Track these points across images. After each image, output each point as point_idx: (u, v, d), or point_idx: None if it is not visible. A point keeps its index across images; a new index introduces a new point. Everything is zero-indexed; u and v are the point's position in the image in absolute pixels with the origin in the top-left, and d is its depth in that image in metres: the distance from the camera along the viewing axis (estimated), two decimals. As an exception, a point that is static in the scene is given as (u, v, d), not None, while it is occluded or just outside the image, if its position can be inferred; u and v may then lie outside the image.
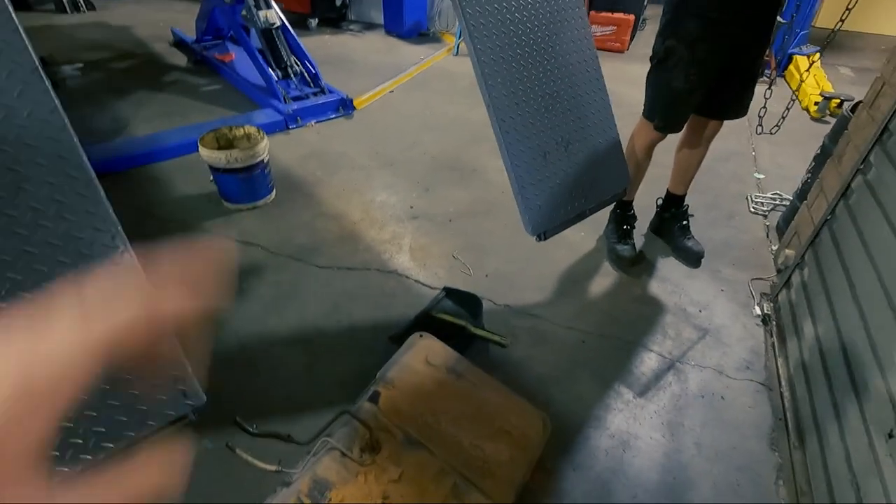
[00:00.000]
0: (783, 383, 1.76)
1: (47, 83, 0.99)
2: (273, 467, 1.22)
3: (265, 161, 2.54)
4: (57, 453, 0.96)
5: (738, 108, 1.98)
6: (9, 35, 0.95)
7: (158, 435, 1.09)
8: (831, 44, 2.49)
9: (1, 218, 0.93)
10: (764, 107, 2.40)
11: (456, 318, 1.84)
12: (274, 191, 2.71)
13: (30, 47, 0.98)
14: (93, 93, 3.88)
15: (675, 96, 1.92)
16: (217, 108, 3.73)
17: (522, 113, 1.69)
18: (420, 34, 5.63)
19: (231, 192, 2.56)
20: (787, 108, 2.52)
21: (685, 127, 2.06)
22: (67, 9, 5.77)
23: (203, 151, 2.41)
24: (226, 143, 2.62)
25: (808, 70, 2.85)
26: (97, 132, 3.28)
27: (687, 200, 2.37)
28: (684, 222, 2.36)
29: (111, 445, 1.02)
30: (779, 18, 4.14)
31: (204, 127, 2.96)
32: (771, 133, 2.50)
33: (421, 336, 1.61)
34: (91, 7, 5.97)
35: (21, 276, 0.94)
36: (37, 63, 0.98)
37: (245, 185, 2.53)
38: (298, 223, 2.53)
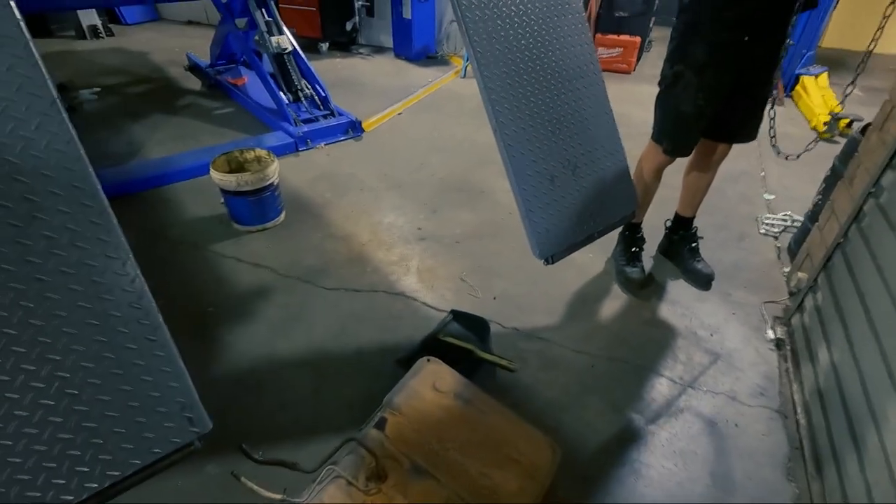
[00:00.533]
0: (798, 410, 1.72)
1: (65, 115, 1.01)
2: (278, 496, 1.20)
3: (275, 184, 2.58)
4: (63, 482, 0.96)
5: (747, 131, 1.98)
6: (29, 70, 0.98)
7: (163, 462, 1.08)
8: (839, 63, 2.50)
9: (15, 247, 0.94)
10: (772, 127, 2.38)
11: (463, 342, 1.82)
12: (283, 212, 2.74)
13: (49, 81, 1.01)
14: (109, 116, 3.98)
15: (684, 120, 1.92)
16: (229, 130, 3.80)
17: (529, 137, 1.70)
18: (428, 57, 5.73)
19: (241, 214, 2.59)
20: (814, 142, 2.43)
21: (694, 150, 2.06)
22: (87, 35, 5.97)
23: (214, 174, 2.45)
24: (237, 167, 2.66)
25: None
26: (112, 155, 3.36)
27: (696, 222, 2.36)
28: (693, 244, 2.34)
29: (117, 474, 1.01)
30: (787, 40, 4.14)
31: (216, 150, 3.02)
32: (787, 158, 2.45)
33: (428, 360, 1.59)
34: (110, 33, 6.16)
35: (33, 304, 0.95)
36: (55, 96, 1.00)
37: (255, 207, 2.56)
38: (307, 245, 2.55)
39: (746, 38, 1.74)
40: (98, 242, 1.03)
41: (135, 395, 1.04)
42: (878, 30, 1.99)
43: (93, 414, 1.00)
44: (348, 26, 5.80)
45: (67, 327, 0.98)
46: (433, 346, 1.82)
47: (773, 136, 1.95)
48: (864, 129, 2.27)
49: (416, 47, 5.58)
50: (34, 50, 0.99)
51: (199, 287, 2.26)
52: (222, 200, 2.62)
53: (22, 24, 0.97)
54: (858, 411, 1.40)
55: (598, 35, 5.27)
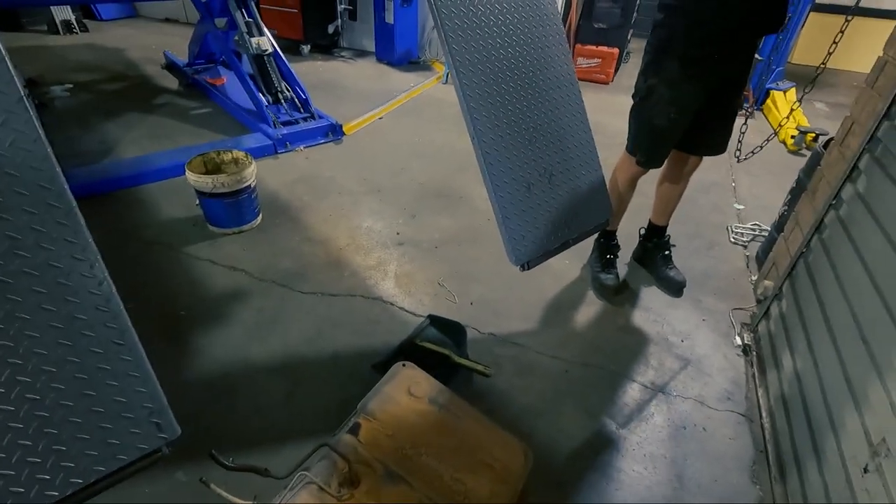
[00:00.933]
0: (764, 415, 1.77)
1: (32, 113, 0.99)
2: (248, 502, 1.19)
3: (252, 186, 2.55)
4: (22, 490, 0.93)
5: (717, 144, 2.05)
6: (-5, 66, 0.96)
7: (129, 469, 1.06)
8: (807, 79, 2.61)
9: (-24, 248, 0.92)
10: (739, 140, 2.48)
11: (440, 347, 1.83)
12: (260, 215, 2.71)
13: (15, 77, 0.98)
14: (81, 114, 3.88)
15: (657, 133, 1.98)
16: (207, 131, 3.75)
17: (507, 145, 1.72)
18: (410, 62, 5.75)
19: (217, 216, 2.55)
20: (767, 140, 2.59)
21: (667, 161, 2.12)
22: (60, 30, 5.81)
23: (190, 176, 2.41)
24: (213, 168, 2.63)
25: (791, 110, 3.00)
26: (84, 153, 3.27)
27: (669, 230, 2.42)
28: (666, 252, 2.40)
29: (80, 481, 0.99)
30: (756, 56, 4.29)
31: (192, 150, 2.97)
32: (738, 160, 2.58)
33: (404, 365, 1.59)
34: (84, 29, 6.02)
35: (-6, 306, 0.93)
36: (22, 94, 0.98)
37: (231, 209, 2.53)
38: (284, 248, 2.52)
39: (717, 56, 1.80)
40: (64, 244, 1.01)
41: (99, 400, 1.02)
42: (833, 44, 2.09)
43: (55, 420, 0.97)
44: (330, 29, 5.78)
45: (30, 330, 0.96)
46: (410, 351, 1.82)
47: (739, 148, 2.02)
48: (826, 144, 2.37)
49: (399, 52, 5.59)
50: (0, 46, 0.97)
51: (172, 289, 2.21)
52: (198, 202, 2.58)
53: (-12, 19, 0.95)
54: (818, 416, 1.45)
55: (578, 45, 5.37)
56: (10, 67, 0.97)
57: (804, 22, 4.78)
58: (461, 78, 1.62)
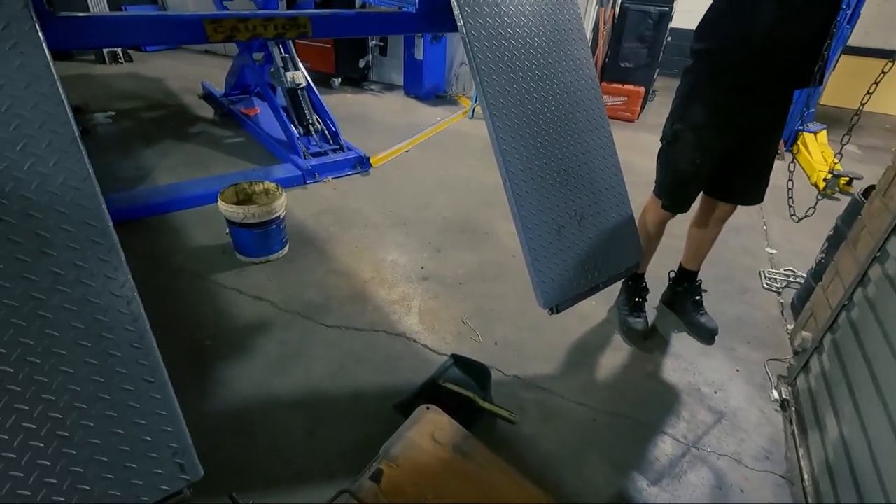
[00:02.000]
0: (806, 478, 1.67)
1: (84, 153, 1.02)
2: (266, 550, 1.15)
3: (281, 217, 2.59)
4: (45, 529, 0.92)
5: (751, 194, 2.00)
6: (54, 108, 1.00)
7: (150, 511, 1.04)
8: (837, 121, 2.56)
9: (22, 282, 0.94)
10: (790, 197, 2.31)
11: (464, 389, 1.79)
12: (287, 245, 2.74)
13: (72, 119, 1.02)
14: (121, 140, 4.05)
15: (681, 178, 1.97)
16: (239, 160, 3.85)
17: (538, 187, 1.72)
18: (437, 96, 5.87)
19: (245, 245, 2.59)
20: (817, 201, 2.40)
21: (699, 206, 2.09)
22: (106, 60, 6.13)
23: (222, 206, 2.46)
24: (245, 198, 2.68)
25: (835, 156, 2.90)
26: (122, 179, 3.39)
27: (699, 274, 2.36)
28: (697, 297, 2.33)
29: (101, 522, 0.97)
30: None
31: (224, 179, 3.05)
32: (797, 219, 2.39)
33: (427, 409, 1.56)
34: (129, 59, 6.33)
35: (33, 341, 0.94)
36: (76, 134, 1.02)
37: (260, 239, 2.56)
38: (309, 279, 2.54)
39: (744, 105, 1.78)
40: (105, 280, 1.03)
41: (127, 438, 1.01)
42: (873, 84, 2.01)
43: (81, 458, 0.96)
44: (361, 63, 5.97)
45: (65, 366, 0.96)
46: (432, 391, 1.78)
47: (791, 195, 1.96)
48: (866, 192, 2.30)
49: (427, 86, 5.73)
50: (60, 89, 1.01)
51: (198, 318, 2.23)
52: (227, 231, 2.63)
53: (51, 64, 0.99)
54: (868, 483, 1.35)
55: (604, 84, 5.42)
56: (68, 109, 1.01)
57: (835, 64, 4.75)
58: (495, 121, 1.64)
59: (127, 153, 3.81)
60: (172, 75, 5.88)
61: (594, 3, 5.44)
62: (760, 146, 1.91)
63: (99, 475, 0.97)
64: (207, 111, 4.82)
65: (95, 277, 1.01)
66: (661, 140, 2.02)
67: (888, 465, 1.29)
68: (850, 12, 4.20)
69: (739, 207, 2.09)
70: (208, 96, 4.97)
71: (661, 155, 2.04)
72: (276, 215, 2.52)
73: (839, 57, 4.73)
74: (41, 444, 0.92)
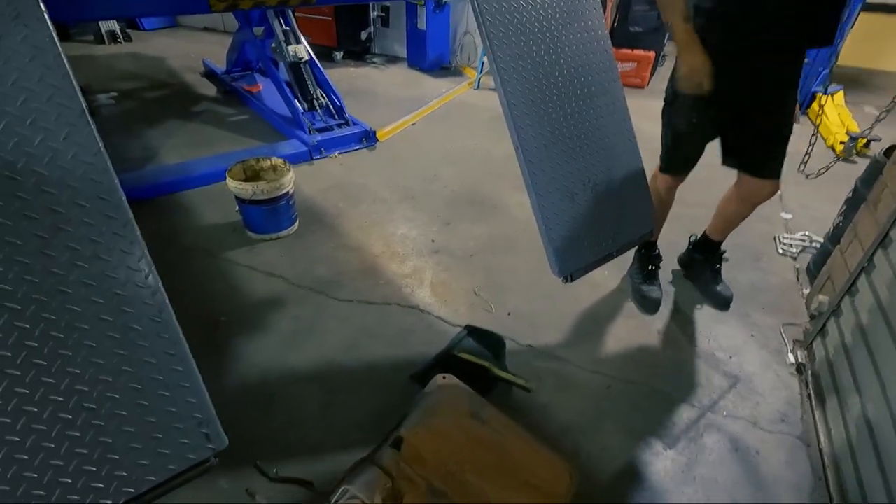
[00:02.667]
0: (822, 439, 1.67)
1: (93, 126, 1.01)
2: (291, 515, 1.18)
3: (290, 193, 2.58)
4: (77, 497, 0.94)
5: (766, 166, 1.90)
6: (59, 80, 0.98)
7: (179, 479, 1.06)
8: (855, 82, 2.48)
9: (41, 258, 0.94)
10: (811, 145, 2.24)
11: (479, 359, 1.80)
12: (297, 222, 2.73)
13: (78, 91, 1.00)
14: (125, 121, 4.02)
15: (677, 138, 1.94)
16: (243, 137, 3.82)
17: (551, 155, 1.69)
18: (442, 68, 5.75)
19: (255, 222, 2.59)
20: (833, 162, 2.37)
21: (735, 183, 2.02)
22: (105, 40, 6.04)
23: (230, 183, 2.45)
24: (252, 175, 2.66)
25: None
26: (128, 160, 3.37)
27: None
28: (717, 266, 2.30)
29: (132, 491, 0.99)
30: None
31: (231, 156, 3.03)
32: (806, 176, 2.38)
33: (444, 378, 1.57)
34: (128, 39, 6.24)
35: (55, 315, 0.94)
36: (84, 107, 1.00)
37: (269, 215, 2.56)
38: (320, 255, 2.54)
39: (746, 65, 1.69)
40: (121, 254, 1.03)
41: (152, 410, 1.03)
42: None
43: (110, 429, 0.98)
44: (363, 36, 5.84)
45: (88, 340, 0.97)
46: (448, 362, 1.79)
47: (809, 152, 1.89)
48: (887, 151, 2.24)
49: (430, 58, 5.61)
50: (65, 60, 0.99)
51: (211, 295, 2.25)
52: (237, 208, 2.62)
53: (54, 35, 0.97)
54: (888, 444, 1.35)
55: (613, 49, 5.27)
56: (74, 82, 0.99)
57: (854, 22, 4.58)
58: (506, 86, 1.59)
59: (132, 134, 3.79)
60: (172, 54, 5.79)
61: (602, -36, 5.25)
62: (769, 111, 1.80)
63: (127, 445, 0.99)
64: (210, 89, 4.76)
65: (112, 252, 1.01)
66: (664, 101, 1.97)
67: (908, 424, 1.29)
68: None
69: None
70: (210, 74, 4.90)
71: (663, 115, 1.99)
72: (284, 191, 2.51)
73: (858, 14, 4.55)
74: (70, 416, 0.94)
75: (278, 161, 2.68)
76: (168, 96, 4.64)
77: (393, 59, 6.03)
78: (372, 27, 5.92)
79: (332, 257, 2.53)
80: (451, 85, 5.23)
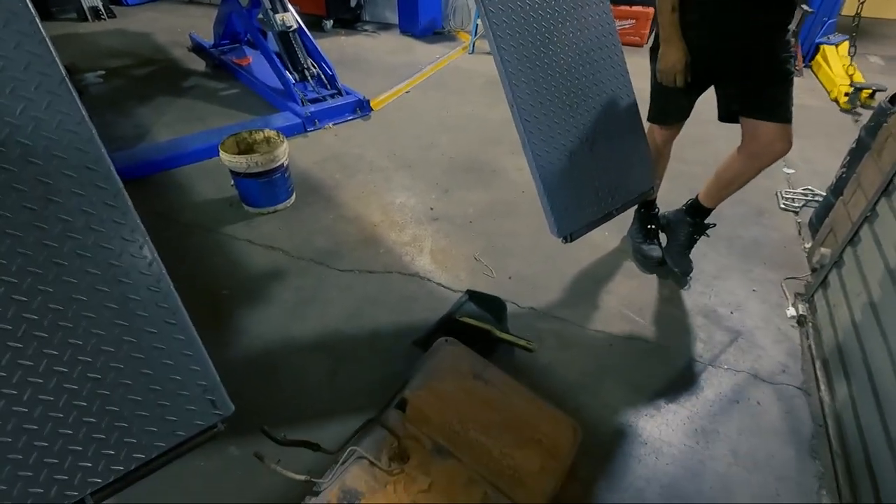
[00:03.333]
0: (822, 388, 1.69)
1: (75, 94, 0.98)
2: (302, 477, 1.20)
3: (285, 165, 2.54)
4: (89, 464, 0.96)
5: (780, 107, 1.76)
6: (36, 47, 0.95)
7: (188, 445, 1.08)
8: (861, 31, 2.39)
9: (33, 231, 0.93)
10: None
11: (481, 322, 1.81)
12: (294, 194, 2.71)
13: (57, 58, 0.97)
14: (115, 100, 3.94)
15: (660, 87, 1.87)
16: (235, 111, 3.75)
17: (547, 112, 1.65)
18: (435, 33, 5.60)
19: (251, 196, 2.56)
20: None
21: (740, 144, 1.90)
22: (89, 17, 5.87)
23: (224, 156, 2.42)
24: (246, 148, 2.63)
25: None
26: (120, 138, 3.33)
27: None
28: (696, 237, 2.16)
29: (142, 456, 1.01)
30: (806, 7, 3.97)
31: (223, 131, 2.98)
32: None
33: (446, 341, 1.58)
34: (111, 15, 6.07)
35: (52, 288, 0.94)
36: (64, 74, 0.97)
37: (265, 188, 2.53)
38: (318, 226, 2.53)
39: (736, 16, 1.64)
40: (114, 225, 1.02)
41: (156, 378, 1.03)
42: None
43: (115, 398, 0.99)
44: (353, 2, 5.67)
45: (87, 311, 0.97)
46: (450, 326, 1.80)
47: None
48: (892, 99, 2.19)
49: (423, 23, 5.45)
50: (40, 26, 0.96)
51: (212, 270, 2.25)
52: (232, 182, 2.60)
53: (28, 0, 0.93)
54: (886, 388, 1.37)
55: (611, 6, 5.11)
56: (52, 49, 0.96)
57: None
58: (499, 42, 1.55)
59: (122, 112, 3.72)
60: (158, 28, 5.64)
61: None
62: (767, 54, 1.71)
63: (134, 413, 1.00)
64: (199, 64, 4.65)
65: (104, 223, 1.00)
66: (650, 48, 1.91)
67: (908, 368, 1.30)
68: None
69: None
70: (198, 48, 4.78)
71: (651, 62, 1.91)
72: (279, 163, 2.47)
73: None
74: (75, 387, 0.95)
75: (271, 133, 2.64)
76: (156, 72, 4.54)
77: (384, 26, 5.87)
78: (362, -7, 5.75)
79: (330, 228, 2.52)
80: (445, 50, 5.11)
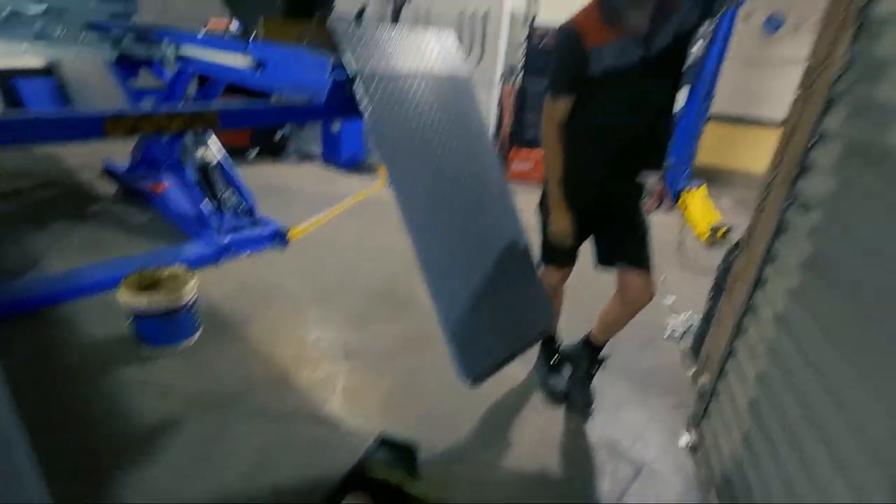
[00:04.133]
0: (718, 520, 1.78)
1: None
2: None
3: (191, 302, 2.46)
4: None
5: (640, 254, 2.06)
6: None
7: None
8: (713, 178, 2.94)
9: None
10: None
11: (391, 475, 1.74)
12: (200, 329, 2.59)
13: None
14: (5, 224, 3.68)
15: (546, 235, 2.14)
16: (144, 241, 3.64)
17: (452, 265, 1.81)
18: (357, 165, 5.99)
19: (151, 334, 2.42)
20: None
21: (616, 291, 2.15)
22: (-10, 136, 5.64)
23: (124, 295, 2.30)
24: (151, 283, 2.53)
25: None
26: (2, 269, 3.06)
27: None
28: (592, 371, 2.32)
29: None
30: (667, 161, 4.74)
31: (125, 263, 2.86)
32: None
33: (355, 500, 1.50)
34: (17, 134, 5.87)
35: None
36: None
37: (167, 326, 2.41)
38: (224, 366, 2.40)
39: (601, 174, 1.99)
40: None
41: None
42: None
43: None
44: (278, 136, 5.99)
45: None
46: (360, 480, 1.72)
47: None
48: (738, 243, 2.63)
49: (345, 156, 5.84)
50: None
51: (96, 421, 2.01)
52: (130, 319, 2.44)
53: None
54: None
55: (514, 148, 5.85)
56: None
57: (703, 128, 5.51)
58: (404, 202, 1.74)
59: (10, 239, 3.47)
60: (67, 150, 5.51)
61: (498, 81, 5.97)
62: (625, 214, 2.06)
63: None
64: (109, 188, 4.55)
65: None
66: (538, 201, 2.18)
67: (776, 488, 1.43)
68: (706, 92, 4.96)
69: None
70: (110, 172, 4.70)
71: (537, 213, 2.18)
72: (184, 302, 2.39)
73: (706, 123, 5.50)
74: None
75: (179, 269, 2.57)
76: (59, 196, 4.37)
77: (308, 157, 6.20)
78: (287, 127, 6.11)
79: (237, 368, 2.40)
80: (366, 182, 5.45)
